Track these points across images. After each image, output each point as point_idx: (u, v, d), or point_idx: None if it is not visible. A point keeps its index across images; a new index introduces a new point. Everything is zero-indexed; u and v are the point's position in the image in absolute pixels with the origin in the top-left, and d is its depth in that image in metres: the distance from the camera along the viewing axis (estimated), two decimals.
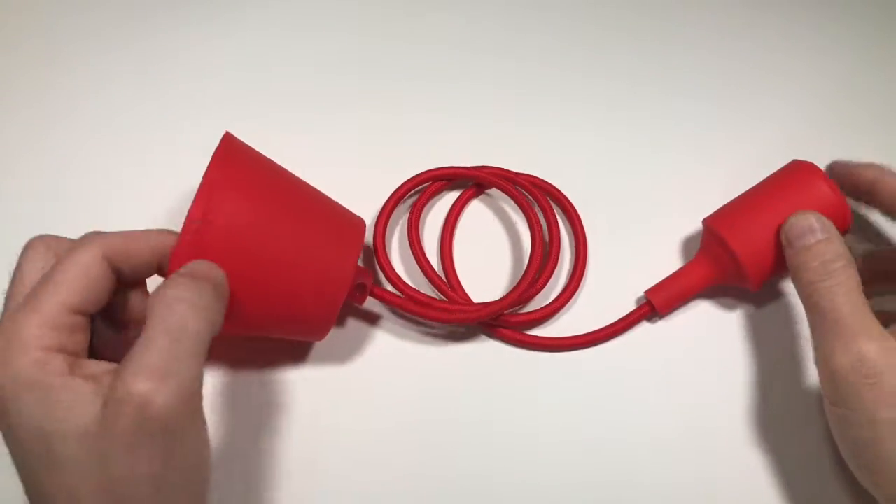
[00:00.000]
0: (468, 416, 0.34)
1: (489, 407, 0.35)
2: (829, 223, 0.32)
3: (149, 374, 0.22)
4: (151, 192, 0.40)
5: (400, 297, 0.35)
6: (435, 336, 0.37)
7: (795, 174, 0.36)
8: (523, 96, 0.45)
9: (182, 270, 0.26)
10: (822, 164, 0.36)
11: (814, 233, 0.32)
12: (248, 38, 0.47)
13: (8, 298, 0.25)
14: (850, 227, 0.35)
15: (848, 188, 0.35)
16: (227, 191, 0.29)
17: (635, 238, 0.40)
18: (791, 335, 0.37)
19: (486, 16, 0.49)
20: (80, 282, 0.25)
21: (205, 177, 0.28)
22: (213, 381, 0.35)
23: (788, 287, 0.39)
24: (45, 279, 0.25)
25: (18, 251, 0.40)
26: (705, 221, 0.37)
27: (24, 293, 0.25)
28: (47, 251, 0.26)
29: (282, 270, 0.30)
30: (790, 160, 0.37)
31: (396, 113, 0.44)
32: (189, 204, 0.27)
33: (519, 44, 0.47)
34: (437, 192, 0.41)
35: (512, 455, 0.34)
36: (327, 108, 0.44)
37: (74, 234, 0.39)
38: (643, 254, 0.39)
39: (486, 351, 0.36)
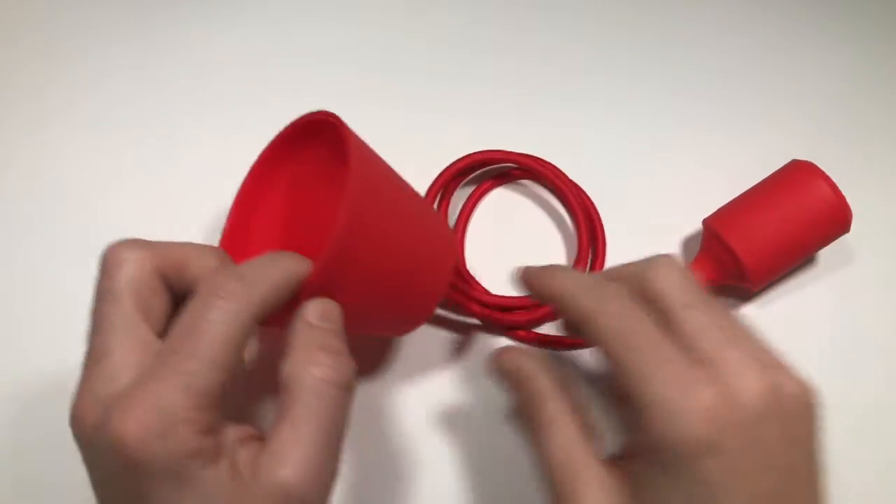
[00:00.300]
0: (470, 413, 0.35)
1: (491, 404, 0.35)
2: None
3: (301, 469, 0.21)
4: (151, 190, 0.40)
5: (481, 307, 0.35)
6: (436, 332, 0.37)
7: (795, 174, 0.36)
8: (523, 95, 0.45)
9: (316, 326, 0.24)
10: (823, 164, 0.36)
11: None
12: (249, 31, 0.47)
13: (101, 319, 0.23)
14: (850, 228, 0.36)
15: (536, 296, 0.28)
16: (365, 210, 0.25)
17: (635, 238, 0.39)
18: (792, 337, 0.37)
19: (488, 16, 0.48)
20: (230, 356, 0.22)
21: (346, 200, 0.24)
22: None
23: (789, 287, 0.39)
24: (191, 347, 0.21)
25: (15, 246, 0.39)
26: (706, 221, 0.37)
27: (125, 313, 0.23)
28: (144, 261, 0.23)
29: (393, 282, 0.28)
30: (790, 160, 0.37)
31: (399, 111, 0.44)
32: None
33: (518, 45, 0.47)
34: (469, 182, 0.40)
35: (513, 453, 0.34)
36: (328, 103, 0.44)
37: (74, 231, 0.39)
38: (643, 254, 0.39)
39: (488, 348, 0.36)
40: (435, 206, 0.39)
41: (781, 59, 0.47)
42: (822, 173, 0.35)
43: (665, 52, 0.47)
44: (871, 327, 0.38)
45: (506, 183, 0.41)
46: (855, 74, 0.47)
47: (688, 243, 0.40)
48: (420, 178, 0.39)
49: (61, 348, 0.34)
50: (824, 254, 0.39)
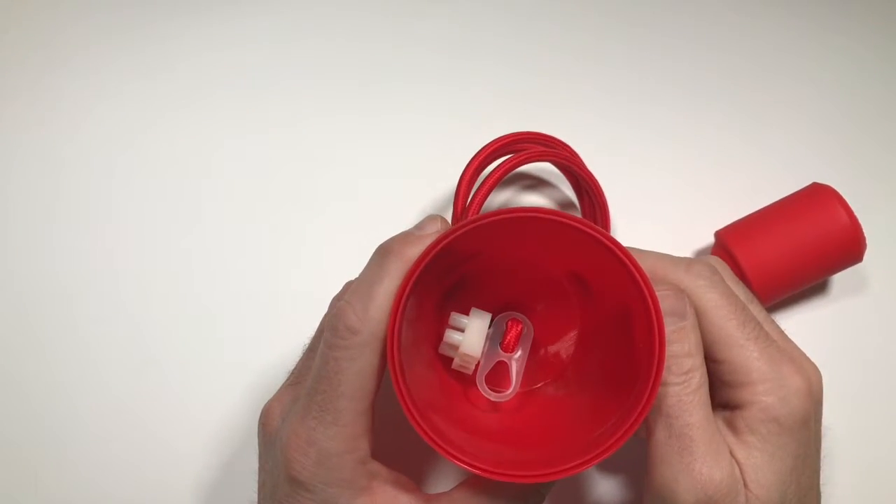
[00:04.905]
0: None
1: None
2: (689, 306, 0.25)
3: None
4: (152, 190, 0.40)
5: None
6: None
7: (813, 196, 0.35)
8: (529, 99, 0.43)
9: None
10: (840, 180, 0.35)
11: (678, 316, 0.24)
12: (246, 38, 0.45)
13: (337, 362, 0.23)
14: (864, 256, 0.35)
15: None
16: None
17: (644, 248, 0.39)
18: None
19: (489, 19, 0.45)
20: (371, 387, 0.24)
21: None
22: None
23: (796, 306, 0.38)
24: (331, 386, 0.23)
25: (13, 250, 0.39)
26: (717, 234, 0.37)
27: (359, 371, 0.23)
28: (381, 326, 0.23)
29: None
30: (808, 179, 0.37)
31: (402, 114, 0.43)
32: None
33: (521, 53, 0.44)
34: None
35: None
36: (329, 109, 0.43)
37: (73, 232, 0.39)
38: None
39: None
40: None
41: (806, 70, 0.45)
42: (841, 199, 0.34)
43: (680, 60, 0.45)
44: (880, 356, 0.38)
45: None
46: (874, 88, 0.44)
47: (697, 255, 0.39)
48: (428, 180, 0.39)
49: None
50: (837, 279, 0.39)
